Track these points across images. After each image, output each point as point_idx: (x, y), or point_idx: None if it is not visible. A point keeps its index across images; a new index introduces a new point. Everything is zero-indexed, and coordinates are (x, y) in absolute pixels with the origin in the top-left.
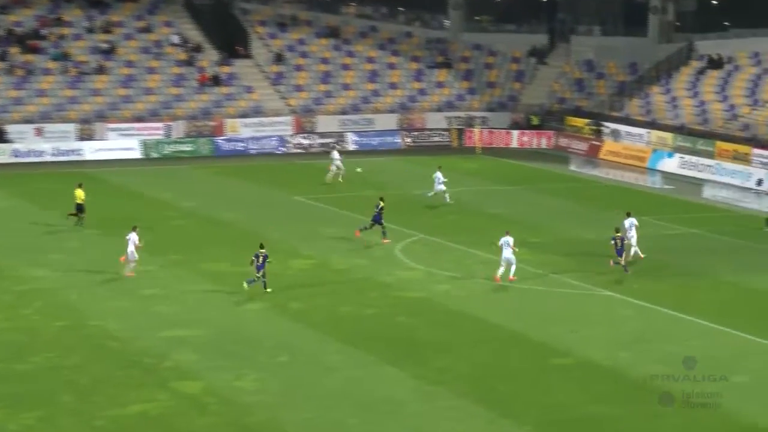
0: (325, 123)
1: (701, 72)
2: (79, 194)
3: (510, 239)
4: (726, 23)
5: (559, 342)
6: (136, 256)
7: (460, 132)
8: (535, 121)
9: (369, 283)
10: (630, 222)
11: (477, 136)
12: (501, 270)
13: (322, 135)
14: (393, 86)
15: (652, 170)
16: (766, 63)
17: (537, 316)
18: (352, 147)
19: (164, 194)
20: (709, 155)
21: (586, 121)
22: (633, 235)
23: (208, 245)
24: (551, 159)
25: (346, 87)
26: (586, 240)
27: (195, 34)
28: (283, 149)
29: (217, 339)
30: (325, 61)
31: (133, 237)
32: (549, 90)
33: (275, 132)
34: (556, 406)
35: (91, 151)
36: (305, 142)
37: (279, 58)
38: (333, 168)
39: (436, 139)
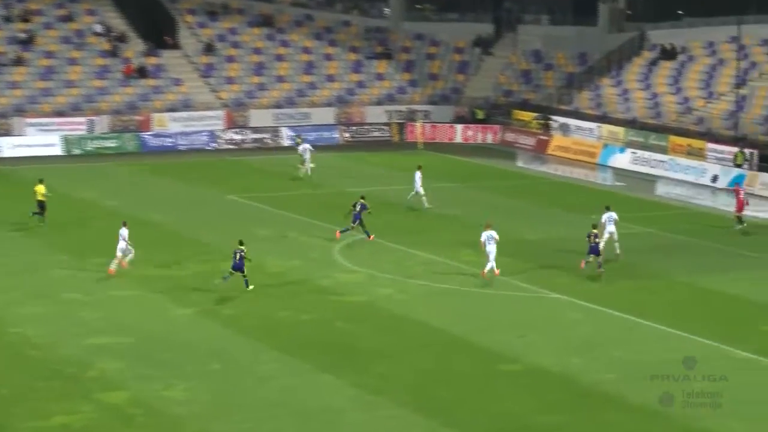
0: (259, 117)
1: (654, 63)
2: (40, 190)
3: (494, 233)
4: (679, 12)
5: (506, 347)
6: (132, 249)
7: (401, 126)
8: (480, 114)
9: (306, 287)
10: (609, 216)
11: (419, 131)
12: (490, 265)
13: (256, 130)
14: (330, 78)
15: (603, 166)
16: (720, 53)
17: (483, 320)
18: (286, 142)
19: (87, 193)
20: (663, 150)
21: (534, 114)
22: (613, 231)
23: (134, 247)
24: (497, 155)
25: (280, 79)
26: (533, 240)
27: (119, 23)
28: (214, 145)
29: (144, 346)
30: (258, 51)
31: (124, 233)
32: (494, 82)
33: (205, 127)
34: (503, 414)
35: (9, 147)
36: (237, 137)
37: (209, 49)
38: (307, 163)
39: (376, 134)
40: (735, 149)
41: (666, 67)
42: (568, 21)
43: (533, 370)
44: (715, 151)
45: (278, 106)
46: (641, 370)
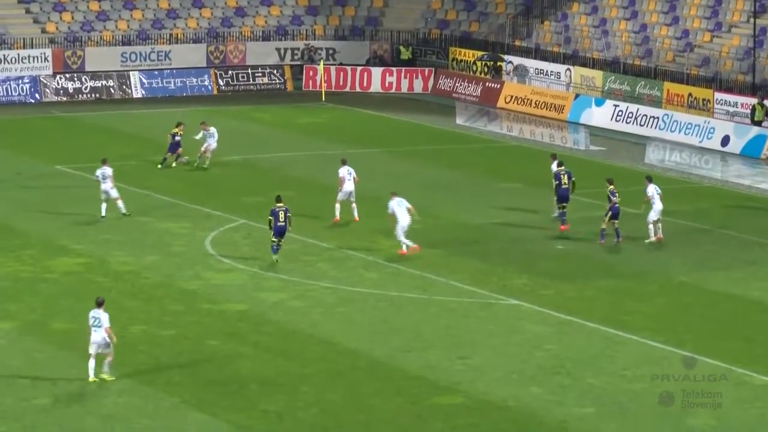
0: (99, 58)
1: None
2: None
3: (404, 200)
4: None
5: (443, 373)
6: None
7: (297, 70)
8: (404, 54)
9: (166, 291)
10: (656, 189)
11: (321, 77)
12: (406, 242)
13: (95, 76)
14: (198, 3)
15: (574, 124)
16: None
17: (411, 336)
18: (138, 93)
19: None
20: (655, 102)
21: (479, 54)
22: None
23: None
24: (428, 109)
25: (128, 5)
26: (480, 226)
27: None
28: (38, 96)
29: None
30: None
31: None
32: (425, 9)
33: (25, 72)
34: None
35: None
36: (70, 85)
37: None
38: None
39: (263, 80)
40: (752, 100)
41: None
42: None
43: (479, 404)
44: (726, 103)
45: (126, 43)
46: (627, 402)
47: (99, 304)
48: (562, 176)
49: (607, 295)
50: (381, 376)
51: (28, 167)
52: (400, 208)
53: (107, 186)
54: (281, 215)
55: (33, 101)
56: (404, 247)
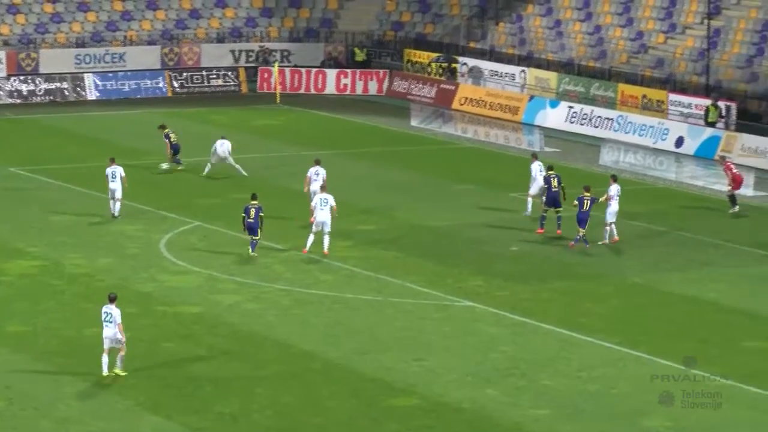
0: (53, 60)
1: None
2: None
3: (329, 197)
4: None
5: (398, 375)
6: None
7: (252, 72)
8: (359, 56)
9: (121, 293)
10: (617, 189)
11: (276, 79)
12: (311, 239)
13: (49, 78)
14: (152, 5)
15: (529, 126)
16: None
17: (366, 337)
18: (93, 95)
19: None
20: (609, 104)
21: (434, 55)
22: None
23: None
24: (383, 110)
25: (83, 7)
26: (435, 228)
27: None
28: None
29: None
30: None
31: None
32: (379, 11)
33: None
34: None
35: None
36: (24, 88)
37: None
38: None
39: (217, 82)
40: (706, 102)
41: None
42: None
43: (435, 406)
44: (680, 104)
45: (80, 44)
46: (583, 404)
47: (112, 300)
48: (552, 180)
49: (563, 297)
50: (336, 378)
51: None
52: (323, 204)
53: (116, 185)
54: (252, 212)
55: None
56: (308, 246)
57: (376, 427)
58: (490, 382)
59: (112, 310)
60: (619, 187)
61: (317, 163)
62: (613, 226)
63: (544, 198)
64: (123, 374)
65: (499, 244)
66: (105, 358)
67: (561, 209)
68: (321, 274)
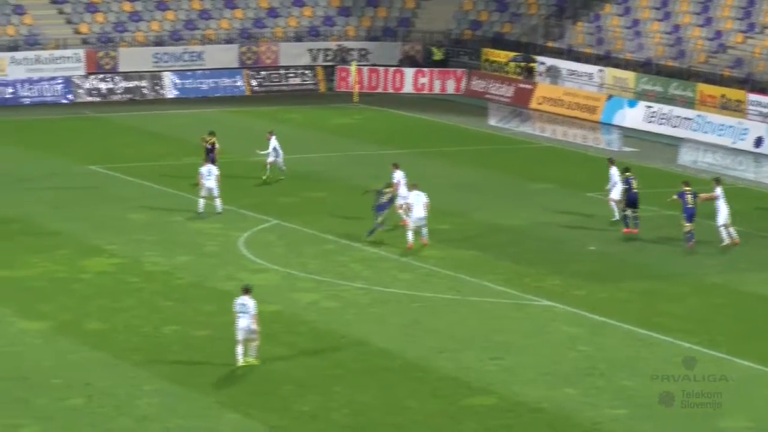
0: (132, 59)
1: None
2: None
3: (422, 194)
4: None
5: (476, 374)
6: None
7: (330, 71)
8: (437, 55)
9: (199, 292)
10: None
11: (354, 78)
12: (411, 235)
13: (128, 76)
14: (230, 3)
15: (607, 125)
16: None
17: (443, 336)
18: (171, 94)
19: None
20: (688, 103)
21: (511, 54)
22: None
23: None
24: (461, 110)
25: (161, 5)
26: (513, 227)
27: None
28: (71, 97)
29: None
30: None
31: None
32: (457, 10)
33: (59, 72)
34: None
35: None
36: (103, 86)
37: None
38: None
39: (295, 81)
40: None
41: None
42: None
43: (513, 405)
44: (759, 104)
45: (159, 43)
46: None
47: (246, 291)
48: (632, 181)
49: (640, 297)
50: (414, 377)
51: (61, 167)
52: (417, 201)
53: (212, 183)
54: (386, 196)
55: (66, 101)
56: (410, 239)
57: (455, 426)
58: (569, 382)
59: (247, 302)
60: (721, 189)
61: (396, 167)
62: (728, 228)
63: (624, 201)
64: (256, 363)
65: (577, 243)
66: (240, 348)
67: (638, 209)
68: (399, 272)
